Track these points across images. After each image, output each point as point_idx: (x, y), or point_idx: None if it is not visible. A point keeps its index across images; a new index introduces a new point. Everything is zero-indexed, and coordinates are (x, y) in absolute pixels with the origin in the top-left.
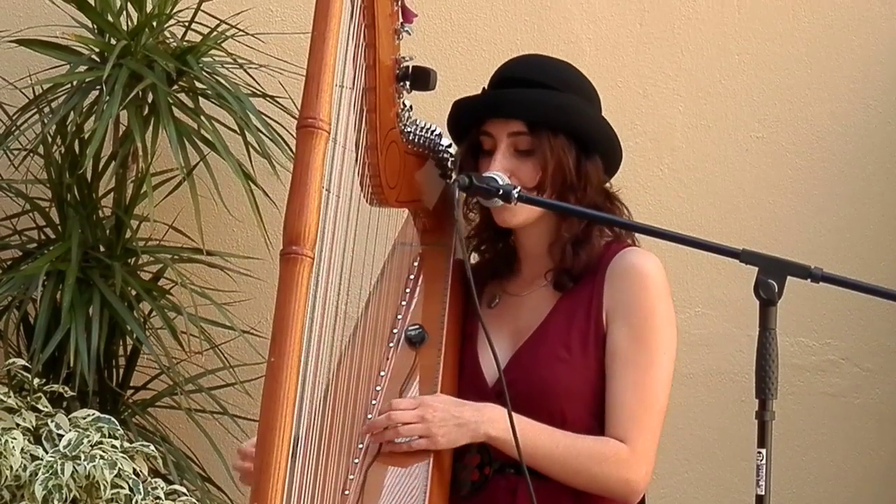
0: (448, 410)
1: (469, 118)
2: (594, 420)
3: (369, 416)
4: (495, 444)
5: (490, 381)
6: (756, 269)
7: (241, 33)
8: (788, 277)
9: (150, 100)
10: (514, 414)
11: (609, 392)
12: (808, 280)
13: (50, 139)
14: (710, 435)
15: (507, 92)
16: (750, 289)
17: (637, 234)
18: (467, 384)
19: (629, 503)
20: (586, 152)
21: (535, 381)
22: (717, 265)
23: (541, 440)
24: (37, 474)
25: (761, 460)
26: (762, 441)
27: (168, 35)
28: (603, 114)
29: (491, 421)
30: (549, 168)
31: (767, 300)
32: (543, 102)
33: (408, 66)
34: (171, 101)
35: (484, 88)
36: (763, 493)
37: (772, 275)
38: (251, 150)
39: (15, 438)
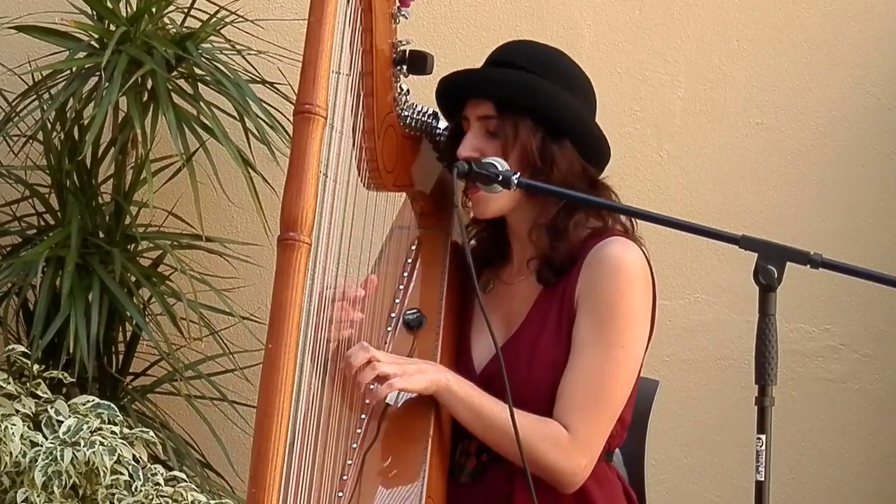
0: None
1: (448, 96)
2: None
3: (367, 401)
4: (447, 396)
5: (478, 367)
6: (755, 254)
7: (240, 19)
8: (788, 263)
9: (149, 86)
10: (463, 380)
11: (563, 377)
12: (808, 266)
13: (49, 125)
14: (709, 421)
15: (481, 70)
16: (749, 275)
17: (637, 221)
18: (456, 369)
19: (563, 490)
20: (554, 136)
21: (513, 382)
22: (716, 251)
23: (486, 406)
24: (36, 460)
25: (761, 446)
26: (762, 427)
27: (167, 21)
28: (601, 100)
29: (447, 373)
30: (513, 149)
31: (767, 286)
32: (512, 82)
33: (404, 50)
34: (170, 87)
35: None
36: (763, 478)
37: (771, 261)
38: (250, 136)
39: (14, 425)
